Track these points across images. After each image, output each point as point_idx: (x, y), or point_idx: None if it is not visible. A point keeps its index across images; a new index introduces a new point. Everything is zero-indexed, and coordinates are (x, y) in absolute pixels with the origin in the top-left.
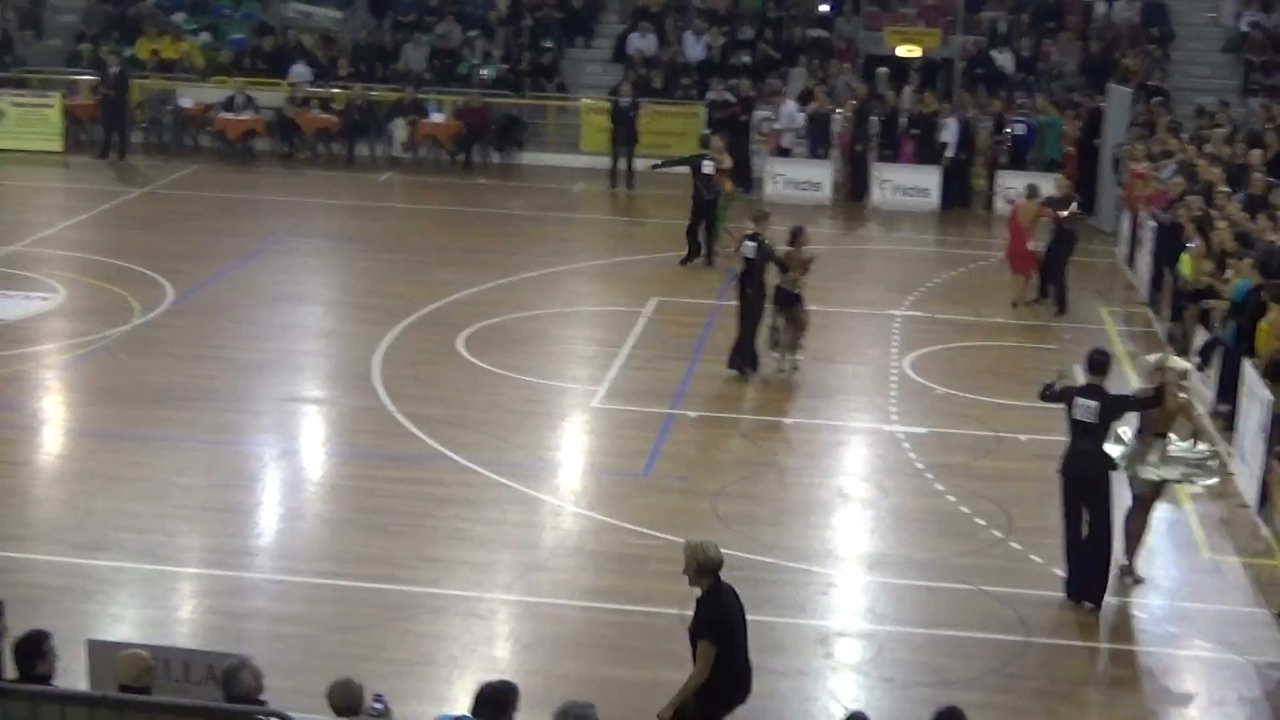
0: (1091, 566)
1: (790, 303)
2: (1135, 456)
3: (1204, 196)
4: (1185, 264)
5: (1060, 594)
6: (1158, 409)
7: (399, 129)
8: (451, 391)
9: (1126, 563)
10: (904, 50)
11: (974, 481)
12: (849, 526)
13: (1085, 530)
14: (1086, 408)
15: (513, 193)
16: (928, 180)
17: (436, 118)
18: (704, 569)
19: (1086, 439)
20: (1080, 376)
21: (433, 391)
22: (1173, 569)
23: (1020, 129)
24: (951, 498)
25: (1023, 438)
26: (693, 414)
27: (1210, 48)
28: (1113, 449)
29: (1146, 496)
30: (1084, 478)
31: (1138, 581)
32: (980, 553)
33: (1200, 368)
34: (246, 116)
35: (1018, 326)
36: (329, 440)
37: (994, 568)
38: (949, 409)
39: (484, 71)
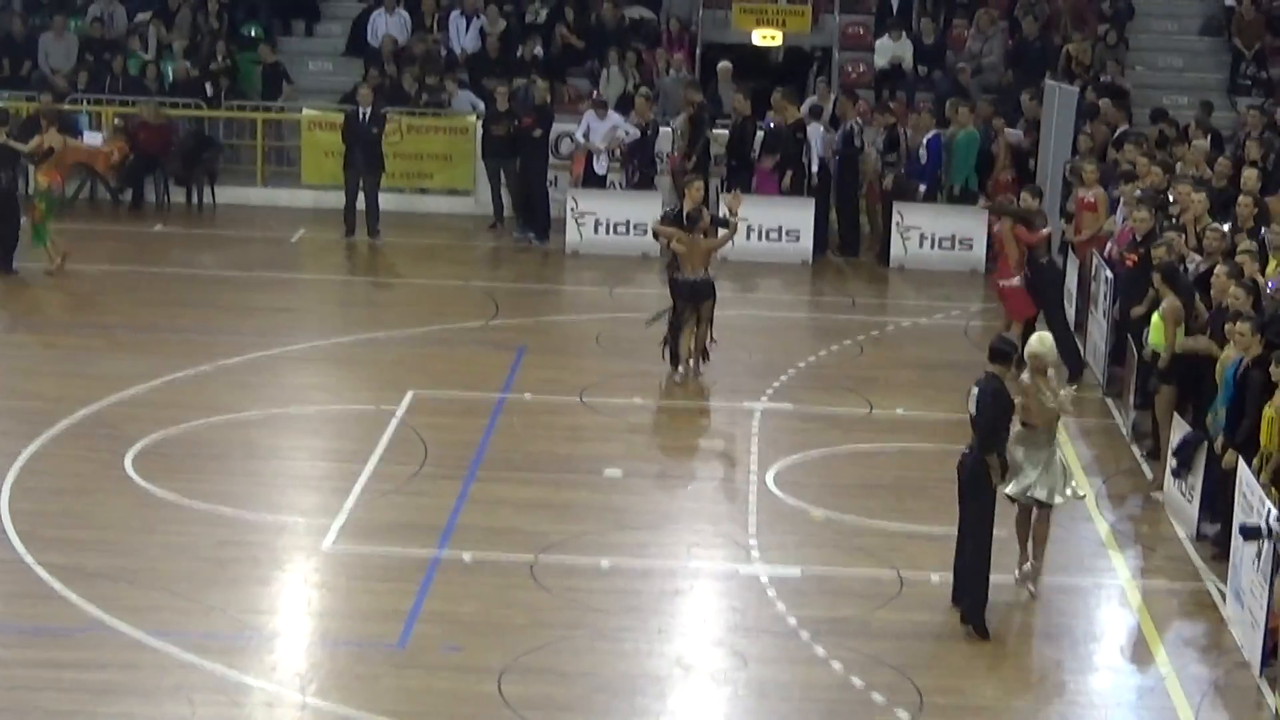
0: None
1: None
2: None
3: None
4: (1156, 330)
5: None
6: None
7: None
8: (116, 532)
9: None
10: (761, 37)
11: (869, 642)
12: (694, 711)
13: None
14: (969, 395)
15: (204, 244)
16: (797, 218)
17: (91, 139)
18: None
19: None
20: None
21: (89, 533)
22: None
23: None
24: (837, 665)
25: (934, 577)
26: (468, 556)
27: (1184, 29)
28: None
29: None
30: (959, 478)
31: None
32: None
33: (1177, 474)
34: None
35: (928, 422)
36: None
37: None
38: (832, 540)
39: (161, 71)
